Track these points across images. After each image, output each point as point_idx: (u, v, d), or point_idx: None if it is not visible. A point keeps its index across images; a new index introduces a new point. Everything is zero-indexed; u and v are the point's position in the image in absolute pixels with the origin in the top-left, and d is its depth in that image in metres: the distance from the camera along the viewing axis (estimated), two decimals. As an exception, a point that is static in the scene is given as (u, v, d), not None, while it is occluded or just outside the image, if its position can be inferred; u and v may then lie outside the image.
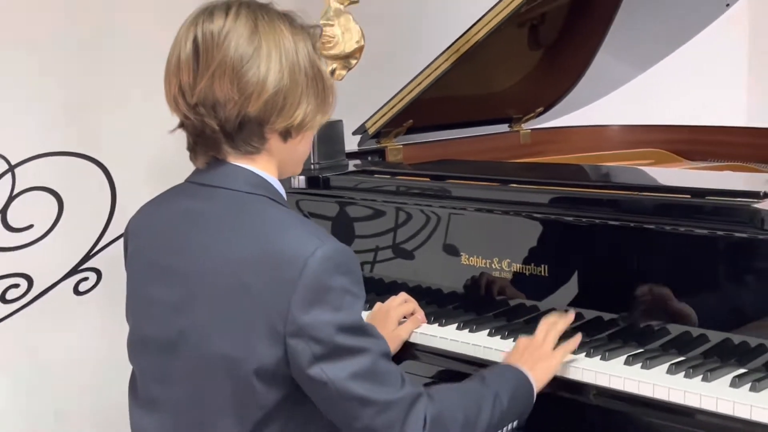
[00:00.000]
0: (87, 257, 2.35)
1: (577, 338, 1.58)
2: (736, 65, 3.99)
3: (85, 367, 2.37)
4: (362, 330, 1.31)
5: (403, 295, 1.83)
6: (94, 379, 2.38)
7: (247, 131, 1.34)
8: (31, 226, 2.26)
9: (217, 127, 1.32)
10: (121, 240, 1.52)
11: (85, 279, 2.36)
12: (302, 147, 1.43)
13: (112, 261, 2.29)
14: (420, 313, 1.81)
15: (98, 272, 2.37)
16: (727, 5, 2.45)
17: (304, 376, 1.28)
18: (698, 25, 2.53)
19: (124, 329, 1.47)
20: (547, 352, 1.55)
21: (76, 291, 2.35)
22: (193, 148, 1.39)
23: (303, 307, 1.25)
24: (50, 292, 2.31)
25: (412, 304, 1.83)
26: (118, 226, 2.32)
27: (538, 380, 1.51)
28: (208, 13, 1.34)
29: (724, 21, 2.55)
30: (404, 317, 1.80)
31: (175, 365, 1.35)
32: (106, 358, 2.32)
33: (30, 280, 2.27)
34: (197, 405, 1.34)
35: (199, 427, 1.35)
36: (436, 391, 1.39)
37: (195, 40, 1.32)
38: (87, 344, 2.37)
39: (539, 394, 1.50)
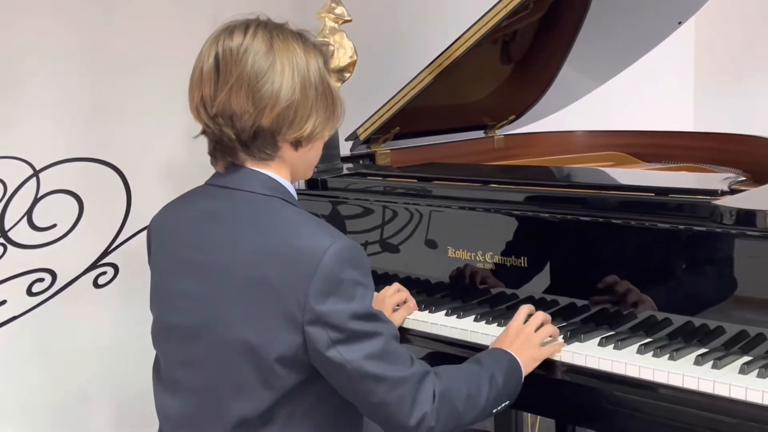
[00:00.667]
0: (105, 253, 2.38)
1: (562, 344, 1.61)
2: (684, 77, 4.09)
3: (104, 354, 2.41)
4: (374, 316, 1.35)
5: (396, 285, 1.86)
6: (113, 366, 2.42)
7: (261, 140, 1.38)
8: (54, 226, 2.29)
9: (233, 136, 1.37)
10: (137, 237, 1.53)
11: (104, 273, 2.39)
12: (312, 154, 1.47)
13: (128, 257, 2.35)
14: (412, 301, 1.86)
15: (116, 267, 2.40)
16: (679, 23, 2.50)
17: (323, 359, 1.32)
18: (652, 41, 2.57)
19: (140, 319, 1.50)
20: (535, 344, 1.58)
21: (96, 284, 2.38)
22: (213, 153, 1.43)
23: (319, 297, 1.29)
24: (72, 286, 2.34)
25: (404, 292, 1.86)
26: (133, 225, 2.36)
27: (525, 366, 1.55)
28: (229, 31, 1.38)
29: (675, 38, 2.60)
30: (398, 305, 1.83)
31: (198, 351, 1.38)
32: (124, 346, 2.38)
33: (54, 275, 2.30)
34: (217, 387, 1.37)
35: (218, 407, 1.37)
36: (443, 370, 1.43)
37: (216, 56, 1.36)
38: (106, 333, 2.41)
39: (541, 377, 1.57)
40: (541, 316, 1.63)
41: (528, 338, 1.59)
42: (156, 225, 1.52)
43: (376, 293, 1.84)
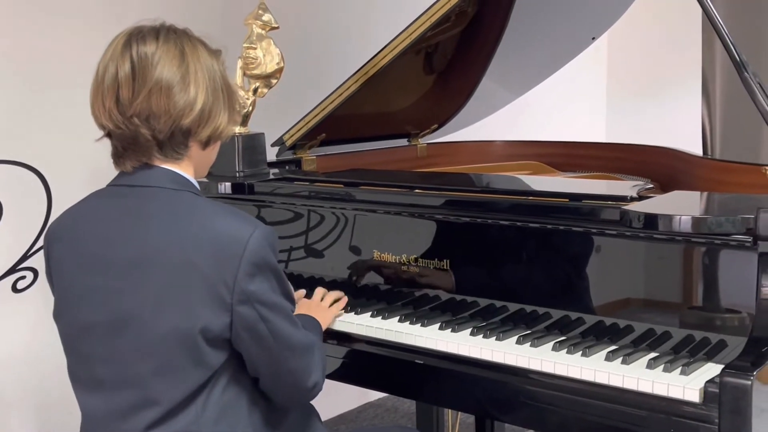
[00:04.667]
0: (24, 257, 2.34)
1: (343, 300, 1.86)
2: (597, 93, 4.19)
3: (23, 360, 2.35)
4: (290, 293, 1.46)
5: (321, 291, 1.89)
6: (32, 371, 2.36)
7: (175, 140, 1.41)
8: None
9: (149, 136, 1.39)
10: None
11: (23, 278, 2.34)
12: (213, 154, 1.53)
13: None
14: (344, 297, 1.90)
15: (35, 271, 2.35)
16: (593, 39, 2.54)
17: (251, 334, 1.38)
18: (567, 56, 2.61)
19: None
20: (325, 308, 1.81)
21: (15, 289, 2.33)
22: (122, 154, 1.43)
23: (248, 278, 1.35)
24: None
25: (335, 292, 1.89)
26: None
27: (325, 324, 1.75)
28: (141, 36, 1.40)
29: (589, 56, 2.67)
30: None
31: (122, 344, 1.38)
32: (44, 349, 2.32)
33: None
34: (146, 376, 1.37)
35: (149, 395, 1.37)
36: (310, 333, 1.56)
37: (132, 60, 1.38)
38: (25, 337, 2.35)
39: (462, 374, 1.63)
40: (333, 294, 1.87)
41: (319, 305, 1.82)
42: (56, 232, 1.49)
43: (315, 300, 1.88)
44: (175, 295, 1.35)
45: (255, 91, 2.14)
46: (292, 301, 1.48)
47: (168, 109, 1.38)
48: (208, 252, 1.35)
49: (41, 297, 2.35)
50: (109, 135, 1.44)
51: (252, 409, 1.45)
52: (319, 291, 1.88)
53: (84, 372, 1.44)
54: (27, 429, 2.40)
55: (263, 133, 2.16)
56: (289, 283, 1.48)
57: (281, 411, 1.53)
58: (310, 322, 1.66)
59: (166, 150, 1.42)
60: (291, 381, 1.47)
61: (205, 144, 1.46)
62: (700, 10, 1.85)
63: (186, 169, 1.46)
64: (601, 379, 1.46)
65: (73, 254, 1.45)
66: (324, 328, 1.74)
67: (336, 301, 1.86)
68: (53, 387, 2.34)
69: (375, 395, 3.38)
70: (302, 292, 1.92)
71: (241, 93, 2.11)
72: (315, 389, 1.50)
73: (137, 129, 1.38)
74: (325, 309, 1.81)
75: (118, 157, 1.44)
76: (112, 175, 1.49)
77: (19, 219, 2.32)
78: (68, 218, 1.49)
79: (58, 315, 1.48)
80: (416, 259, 1.83)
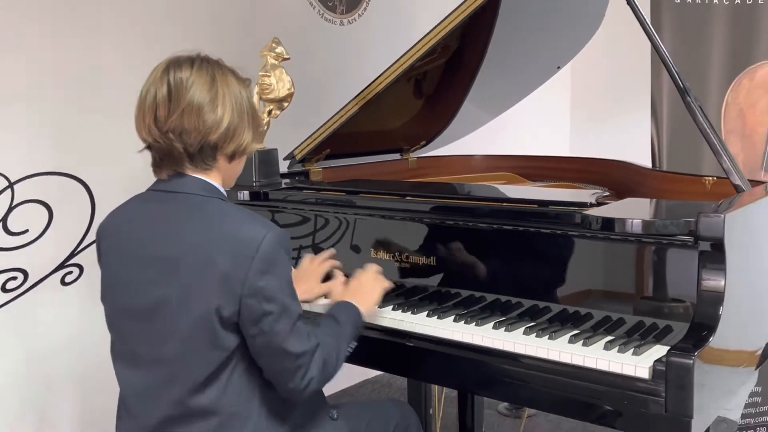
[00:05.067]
0: (71, 255, 2.33)
1: (387, 282, 1.71)
2: (562, 112, 4.20)
3: (69, 342, 2.35)
4: (295, 293, 1.41)
5: (324, 254, 1.84)
6: (77, 352, 2.36)
7: (204, 153, 1.42)
8: (26, 231, 2.25)
9: (182, 149, 1.40)
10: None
11: (70, 272, 2.34)
12: (239, 167, 1.51)
13: (92, 258, 2.23)
14: (339, 273, 1.84)
15: (81, 267, 2.35)
16: (558, 68, 2.53)
17: (252, 325, 1.35)
18: (536, 83, 2.58)
19: (102, 312, 1.50)
20: (371, 290, 1.67)
21: (63, 282, 2.33)
22: (159, 164, 1.44)
23: (258, 275, 1.34)
24: (42, 283, 2.29)
25: (329, 263, 1.86)
26: (96, 230, 2.32)
27: (368, 308, 1.63)
28: (177, 63, 1.41)
29: (555, 82, 2.64)
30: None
31: (155, 326, 1.39)
32: (87, 335, 2.33)
33: (26, 274, 2.26)
34: (174, 355, 1.38)
35: (176, 372, 1.38)
36: (321, 337, 1.46)
37: (169, 84, 1.39)
38: (71, 324, 2.35)
39: (446, 355, 1.61)
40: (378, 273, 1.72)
41: (364, 288, 1.67)
42: (104, 229, 1.51)
43: (301, 268, 1.84)
44: (198, 287, 1.35)
45: (269, 112, 2.15)
46: (298, 304, 1.42)
47: (198, 127, 1.38)
48: (228, 251, 1.35)
49: (86, 290, 2.36)
50: (149, 147, 1.44)
51: (265, 393, 1.43)
52: (369, 270, 1.73)
53: (124, 349, 1.45)
54: (72, 403, 2.40)
55: (276, 149, 2.16)
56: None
57: (294, 402, 1.48)
58: (344, 312, 1.57)
59: (196, 161, 1.42)
60: (280, 381, 1.41)
61: (231, 158, 1.45)
62: (649, 44, 1.86)
63: (215, 178, 1.45)
64: (565, 358, 1.47)
65: (117, 249, 1.46)
66: (371, 305, 1.63)
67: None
68: (93, 362, 2.34)
69: (373, 373, 3.38)
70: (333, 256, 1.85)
71: (258, 114, 2.12)
72: (307, 389, 1.41)
73: (171, 143, 1.39)
74: (369, 290, 1.67)
75: (156, 166, 1.45)
76: (146, 182, 1.50)
77: (66, 222, 2.32)
78: (114, 218, 1.51)
79: (104, 299, 1.49)
80: (407, 257, 1.82)
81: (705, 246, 1.45)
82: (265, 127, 2.15)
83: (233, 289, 1.34)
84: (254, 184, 2.11)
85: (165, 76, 1.40)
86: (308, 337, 1.41)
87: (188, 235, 1.38)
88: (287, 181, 2.20)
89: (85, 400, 2.40)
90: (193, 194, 1.42)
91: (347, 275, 1.91)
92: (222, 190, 1.47)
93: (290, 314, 1.38)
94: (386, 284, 1.71)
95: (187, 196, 1.42)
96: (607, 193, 1.92)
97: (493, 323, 1.63)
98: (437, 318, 1.69)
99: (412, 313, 1.73)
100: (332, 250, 1.88)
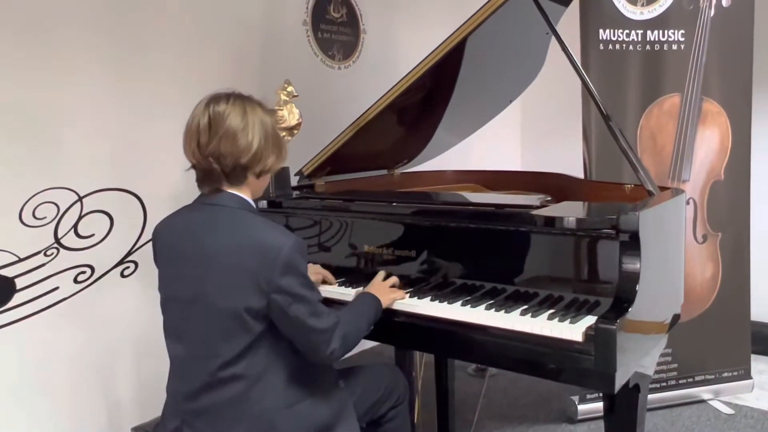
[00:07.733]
0: (128, 254, 2.33)
1: (402, 292, 1.67)
2: (514, 135, 4.18)
3: (128, 325, 2.35)
4: (312, 286, 1.39)
5: (382, 273, 1.78)
6: (134, 332, 2.36)
7: (237, 172, 1.40)
8: (93, 235, 2.24)
9: (219, 169, 1.39)
10: (150, 243, 1.52)
11: (128, 267, 2.34)
12: (264, 182, 1.49)
13: (145, 256, 2.30)
14: (331, 278, 1.84)
15: (136, 263, 2.35)
16: (510, 101, 2.52)
17: (282, 314, 1.35)
18: (494, 112, 2.56)
19: (153, 300, 1.49)
20: (387, 289, 1.66)
21: (122, 275, 2.33)
22: (201, 181, 1.44)
23: (281, 275, 1.33)
24: (105, 276, 2.28)
25: (322, 272, 1.84)
26: (147, 234, 2.31)
27: (384, 303, 1.61)
28: (216, 99, 1.41)
29: (509, 111, 2.62)
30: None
31: (196, 313, 1.38)
32: (142, 318, 2.34)
33: (92, 269, 2.25)
34: (209, 335, 1.37)
35: (209, 349, 1.37)
36: (343, 315, 1.46)
37: (209, 116, 1.38)
38: (129, 309, 2.35)
39: (424, 327, 1.60)
40: (393, 278, 1.72)
41: (383, 288, 1.67)
42: (158, 232, 1.50)
43: (374, 280, 1.78)
44: (230, 284, 1.34)
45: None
46: (317, 292, 1.40)
47: (232, 151, 1.37)
48: (254, 256, 1.32)
49: (140, 281, 2.34)
50: (194, 167, 1.43)
51: (286, 368, 1.42)
52: (381, 273, 1.74)
53: (173, 328, 1.45)
54: (131, 370, 2.40)
55: (288, 167, 2.16)
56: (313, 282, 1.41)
57: (309, 373, 1.45)
58: (365, 300, 1.57)
59: (231, 179, 1.40)
60: (311, 347, 1.39)
61: (258, 175, 1.43)
62: (580, 81, 1.89)
63: (245, 192, 1.43)
64: (518, 327, 1.48)
65: (166, 249, 1.45)
66: (384, 305, 1.60)
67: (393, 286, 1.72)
68: (148, 341, 2.33)
69: (369, 344, 3.39)
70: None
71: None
72: (331, 356, 1.40)
73: (211, 164, 1.38)
74: (387, 290, 1.66)
75: (199, 182, 1.44)
76: (189, 196, 1.49)
77: (124, 227, 2.32)
78: (166, 224, 1.49)
79: (159, 288, 1.48)
80: (393, 250, 1.82)
81: (624, 237, 1.46)
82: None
83: (260, 286, 1.32)
84: (271, 195, 2.11)
85: (207, 109, 1.39)
86: (328, 316, 1.39)
87: (222, 239, 1.36)
88: (297, 192, 2.20)
89: (141, 366, 2.39)
90: (228, 206, 1.39)
91: (346, 265, 1.92)
92: (252, 202, 1.44)
93: (310, 301, 1.36)
94: (398, 294, 1.67)
95: (223, 208, 1.39)
96: (549, 198, 1.91)
97: (461, 302, 1.63)
98: (417, 299, 1.68)
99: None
100: (321, 273, 1.85)
